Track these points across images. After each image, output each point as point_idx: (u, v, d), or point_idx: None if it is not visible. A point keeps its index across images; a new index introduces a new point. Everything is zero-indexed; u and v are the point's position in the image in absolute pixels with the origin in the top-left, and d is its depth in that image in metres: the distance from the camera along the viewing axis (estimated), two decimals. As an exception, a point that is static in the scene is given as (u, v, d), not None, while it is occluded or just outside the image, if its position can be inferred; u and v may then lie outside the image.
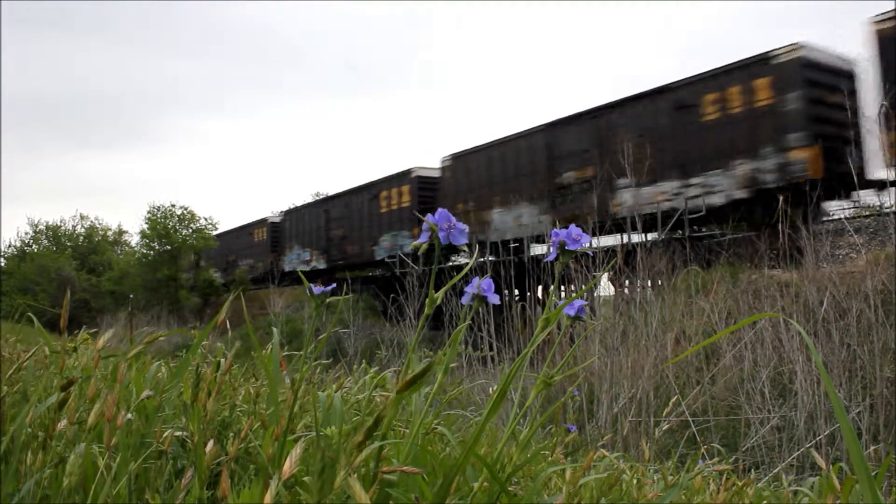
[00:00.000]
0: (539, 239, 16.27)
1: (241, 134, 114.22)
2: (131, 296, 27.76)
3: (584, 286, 7.02)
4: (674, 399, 2.80)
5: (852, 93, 11.76)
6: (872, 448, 4.53)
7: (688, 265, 10.10)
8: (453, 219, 1.07)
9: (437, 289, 1.10)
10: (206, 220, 31.21)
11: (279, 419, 1.11)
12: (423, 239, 1.07)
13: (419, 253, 1.09)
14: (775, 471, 4.37)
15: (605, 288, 10.87)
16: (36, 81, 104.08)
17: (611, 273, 10.62)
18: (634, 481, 1.75)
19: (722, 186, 13.28)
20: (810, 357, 5.49)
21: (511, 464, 1.15)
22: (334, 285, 1.26)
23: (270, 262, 29.61)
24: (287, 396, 1.24)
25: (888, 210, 11.06)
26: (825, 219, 12.72)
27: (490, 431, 1.87)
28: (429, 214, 1.07)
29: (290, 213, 29.45)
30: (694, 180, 13.69)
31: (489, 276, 1.20)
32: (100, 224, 42.78)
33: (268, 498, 0.79)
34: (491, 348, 7.25)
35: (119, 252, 41.16)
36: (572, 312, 1.15)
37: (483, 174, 19.00)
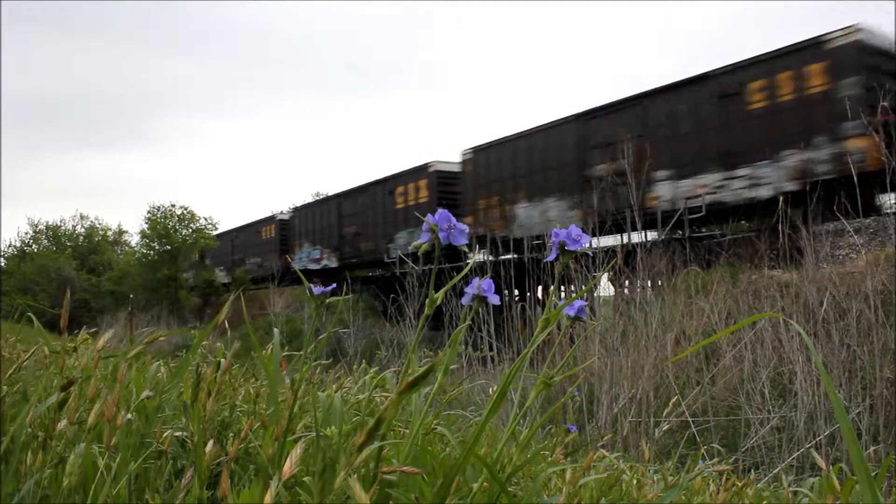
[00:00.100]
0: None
1: (241, 134, 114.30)
2: (131, 296, 27.74)
3: (583, 286, 7.02)
4: (674, 399, 2.80)
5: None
6: (872, 449, 4.53)
7: (688, 265, 10.10)
8: (453, 219, 1.07)
9: (437, 289, 1.10)
10: (205, 220, 31.22)
11: (279, 419, 1.11)
12: (423, 239, 1.07)
13: (419, 253, 1.09)
14: (775, 471, 4.37)
15: (605, 288, 10.86)
16: (36, 81, 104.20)
17: (611, 273, 10.62)
18: (634, 482, 1.75)
19: (770, 178, 12.56)
20: (810, 357, 5.49)
21: (511, 464, 1.15)
22: (334, 285, 1.26)
23: (283, 259, 28.97)
24: (287, 396, 1.24)
25: (888, 210, 11.05)
26: (886, 212, 12.43)
27: (490, 432, 1.87)
28: (429, 215, 1.07)
29: (300, 210, 28.72)
30: (740, 172, 12.94)
31: (489, 276, 1.20)
32: (100, 224, 42.79)
33: (268, 498, 0.79)
34: (491, 349, 7.25)
35: (119, 252, 41.16)
36: (572, 313, 1.15)
37: (507, 167, 18.15)
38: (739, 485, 1.74)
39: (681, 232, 14.05)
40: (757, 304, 7.40)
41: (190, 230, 30.56)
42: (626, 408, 5.71)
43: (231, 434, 1.58)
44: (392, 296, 10.42)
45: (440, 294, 1.09)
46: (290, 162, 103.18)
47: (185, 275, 31.45)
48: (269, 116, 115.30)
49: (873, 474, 0.78)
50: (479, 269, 10.81)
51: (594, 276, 7.60)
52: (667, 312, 7.34)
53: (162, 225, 30.02)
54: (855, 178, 7.08)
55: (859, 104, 11.07)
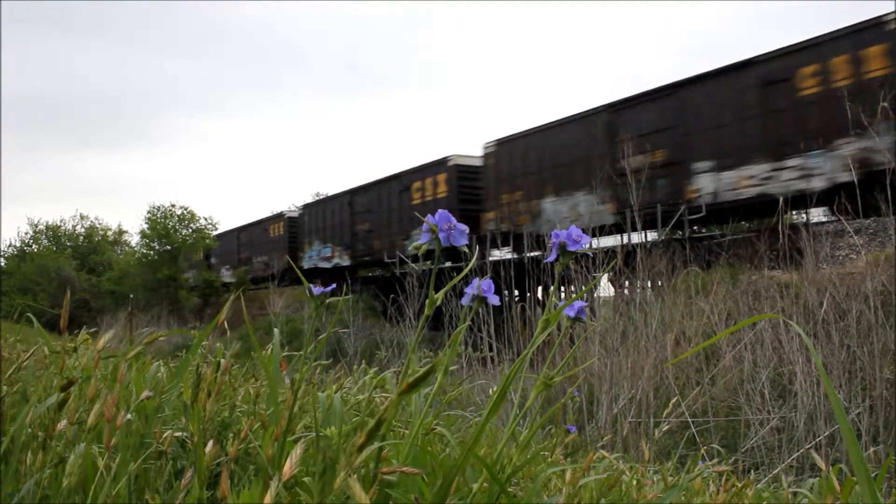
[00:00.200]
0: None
1: (241, 134, 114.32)
2: (131, 296, 27.72)
3: (583, 287, 7.02)
4: (674, 400, 2.80)
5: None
6: (872, 449, 4.53)
7: (688, 266, 10.10)
8: (453, 219, 1.07)
9: (437, 290, 1.10)
10: (205, 220, 31.23)
11: (279, 420, 1.11)
12: (423, 240, 1.07)
13: (419, 254, 1.09)
14: (775, 472, 4.37)
15: (605, 289, 10.85)
16: (36, 81, 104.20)
17: (611, 274, 10.62)
18: (634, 482, 1.75)
19: (823, 169, 11.76)
20: (810, 358, 5.49)
21: (511, 465, 1.15)
22: (334, 286, 1.26)
23: (288, 258, 28.04)
24: (287, 397, 1.24)
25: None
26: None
27: (490, 432, 1.87)
28: (429, 215, 1.07)
29: (310, 207, 27.77)
30: (790, 163, 12.14)
31: (489, 276, 1.20)
32: (100, 224, 42.83)
33: (268, 498, 0.79)
34: (491, 349, 7.25)
35: (119, 252, 41.19)
36: (572, 313, 1.15)
37: (533, 160, 17.16)
38: (739, 485, 1.74)
39: (681, 232, 13.99)
40: (757, 304, 7.40)
41: (190, 230, 30.58)
42: (626, 408, 5.72)
43: (231, 434, 1.58)
44: (392, 296, 10.42)
45: (440, 294, 1.09)
46: (290, 162, 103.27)
47: (185, 275, 31.44)
48: (269, 116, 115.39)
49: (873, 475, 0.78)
50: (479, 270, 10.81)
51: (594, 277, 7.61)
52: (667, 313, 7.34)
53: (162, 225, 30.04)
54: None
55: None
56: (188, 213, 30.65)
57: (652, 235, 14.44)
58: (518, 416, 1.13)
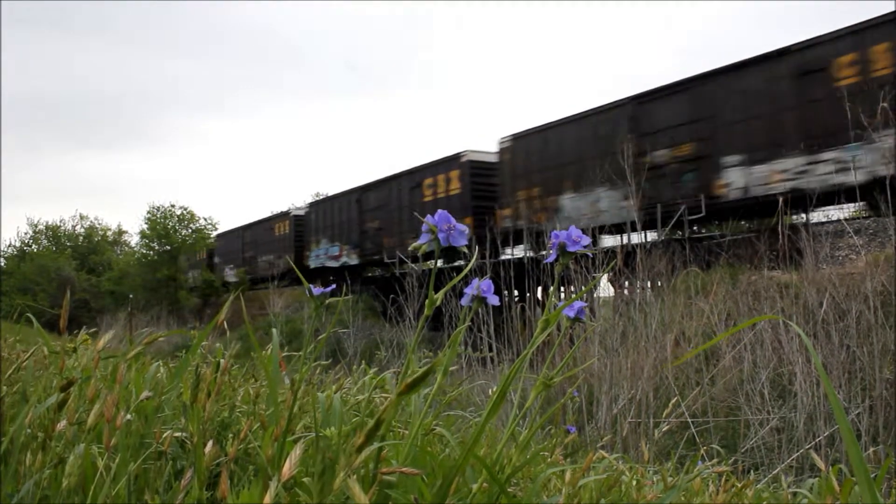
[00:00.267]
0: (620, 228, 14.40)
1: (241, 134, 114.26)
2: (131, 296, 27.71)
3: (583, 287, 7.02)
4: (673, 400, 2.81)
5: None
6: (872, 450, 4.53)
7: (687, 266, 10.10)
8: (453, 220, 1.07)
9: (436, 290, 1.10)
10: (205, 220, 31.26)
11: (279, 420, 1.11)
12: (422, 240, 1.07)
13: (419, 254, 1.09)
14: (774, 472, 4.37)
15: (605, 289, 10.83)
16: (36, 81, 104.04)
17: (610, 274, 10.63)
18: (634, 482, 1.75)
19: (863, 162, 11.17)
20: (810, 358, 5.49)
21: (510, 465, 1.15)
22: (333, 286, 1.26)
23: (295, 257, 27.21)
24: (286, 397, 1.24)
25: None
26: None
27: (489, 432, 1.87)
28: (428, 216, 1.07)
29: (317, 205, 27.10)
30: (825, 155, 11.57)
31: (489, 277, 1.20)
32: (99, 224, 42.90)
33: (267, 499, 0.79)
34: (490, 349, 7.25)
35: (119, 252, 41.22)
36: (572, 314, 1.15)
37: (551, 155, 16.49)
38: (739, 486, 1.74)
39: (680, 233, 13.97)
40: (756, 304, 7.40)
41: (190, 230, 30.61)
42: (626, 409, 5.72)
43: (230, 435, 1.58)
44: (392, 296, 10.42)
45: (439, 295, 1.09)
46: (290, 162, 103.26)
47: (187, 275, 31.43)
48: (269, 116, 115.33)
49: (873, 475, 0.78)
50: (479, 270, 10.81)
51: (594, 277, 7.61)
52: (666, 313, 7.34)
53: (162, 225, 30.06)
54: None
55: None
56: (188, 213, 30.71)
57: (651, 235, 14.39)
58: (518, 417, 1.13)
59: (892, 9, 11.09)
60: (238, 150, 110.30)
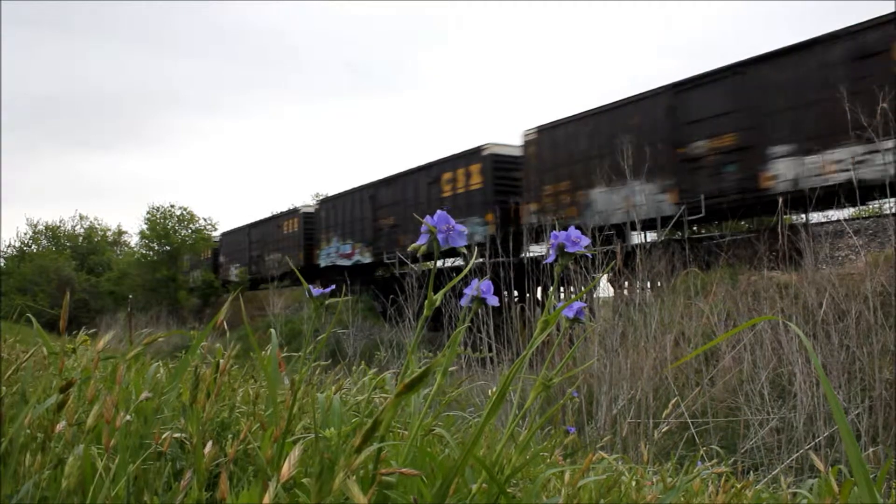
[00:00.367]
0: (653, 223, 13.75)
1: (241, 134, 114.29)
2: (130, 296, 27.68)
3: (583, 288, 7.02)
4: (673, 401, 2.80)
5: None
6: (871, 450, 4.54)
7: (687, 267, 10.10)
8: (452, 220, 1.07)
9: (436, 290, 1.10)
10: (205, 220, 31.27)
11: (278, 421, 1.11)
12: (422, 241, 1.07)
13: (418, 255, 1.09)
14: (774, 472, 4.37)
15: (605, 289, 10.83)
16: (36, 81, 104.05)
17: (610, 274, 10.63)
18: (633, 483, 1.75)
19: None
20: (809, 359, 5.49)
21: (510, 465, 1.15)
22: (333, 287, 1.26)
23: (312, 254, 26.26)
24: (286, 398, 1.24)
25: (888, 211, 11.06)
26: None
27: (489, 433, 1.87)
28: (427, 216, 1.07)
29: (327, 202, 26.12)
30: (888, 144, 10.64)
31: (488, 277, 1.20)
32: (99, 224, 42.89)
33: (266, 499, 0.79)
34: (490, 350, 7.25)
35: (118, 252, 41.24)
36: (571, 314, 1.15)
37: (580, 148, 15.67)
38: (738, 486, 1.74)
39: (680, 233, 13.95)
40: (756, 305, 7.40)
41: (189, 230, 30.61)
42: (626, 409, 5.72)
43: (230, 435, 1.58)
44: (391, 297, 10.42)
45: (439, 296, 1.09)
46: (290, 162, 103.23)
47: (190, 274, 31.38)
48: (270, 116, 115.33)
49: (872, 476, 0.78)
50: (479, 271, 10.80)
51: (593, 278, 7.61)
52: (666, 314, 7.34)
53: (161, 225, 30.07)
54: None
55: None
56: (188, 213, 30.70)
57: (651, 235, 14.34)
58: (517, 417, 1.13)
59: (881, 12, 11.01)
60: (238, 150, 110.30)
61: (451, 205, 19.13)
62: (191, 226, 30.75)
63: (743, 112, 12.63)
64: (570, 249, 1.10)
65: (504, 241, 14.46)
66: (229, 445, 1.27)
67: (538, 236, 15.31)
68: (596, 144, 15.42)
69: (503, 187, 18.08)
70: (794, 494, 2.05)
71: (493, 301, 1.15)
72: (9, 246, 38.77)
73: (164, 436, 1.18)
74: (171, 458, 1.30)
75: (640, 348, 6.42)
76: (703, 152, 13.36)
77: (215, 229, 31.98)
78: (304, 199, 56.17)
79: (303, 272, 25.58)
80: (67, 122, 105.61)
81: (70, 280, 30.85)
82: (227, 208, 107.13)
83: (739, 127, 12.68)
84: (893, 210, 10.44)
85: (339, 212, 24.94)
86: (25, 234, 39.90)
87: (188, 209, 30.77)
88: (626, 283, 10.03)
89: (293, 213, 28.30)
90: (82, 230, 41.73)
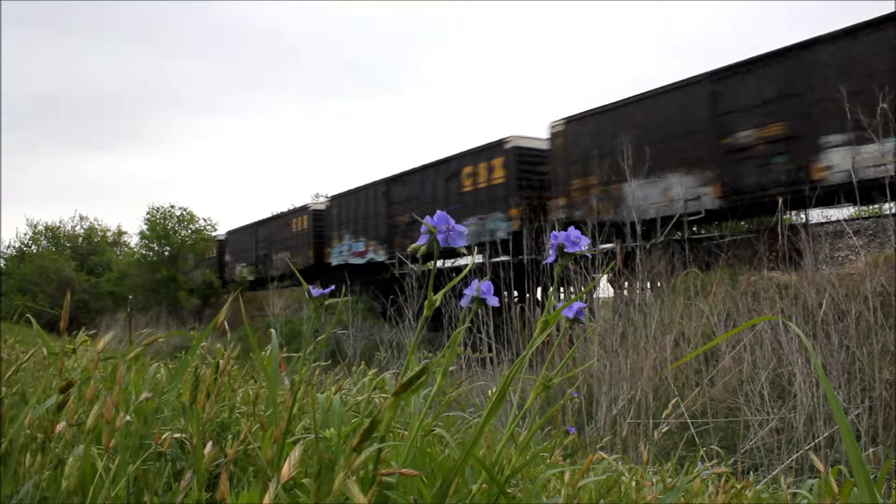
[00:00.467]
0: (692, 217, 13.19)
1: (241, 134, 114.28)
2: (130, 297, 27.65)
3: (583, 288, 7.02)
4: (673, 401, 2.80)
5: None
6: (871, 450, 4.54)
7: (687, 267, 10.10)
8: (452, 221, 1.07)
9: (436, 291, 1.10)
10: (205, 220, 31.25)
11: (278, 421, 1.11)
12: (421, 241, 1.07)
13: (418, 255, 1.09)
14: (774, 473, 4.37)
15: (605, 290, 10.82)
16: (36, 81, 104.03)
17: (610, 275, 10.63)
18: (633, 483, 1.75)
19: None
20: (809, 359, 5.50)
21: (510, 466, 1.15)
22: (333, 287, 1.26)
23: (323, 253, 25.42)
24: (286, 398, 1.24)
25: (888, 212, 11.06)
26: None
27: (489, 433, 1.87)
28: (427, 216, 1.07)
29: (339, 199, 25.21)
30: None
31: (488, 278, 1.20)
32: (99, 225, 42.88)
33: (266, 500, 0.79)
34: (490, 350, 7.25)
35: (118, 253, 41.25)
36: (571, 314, 1.15)
37: (611, 139, 14.69)
38: (738, 487, 1.74)
39: (679, 233, 13.93)
40: (756, 305, 7.41)
41: (189, 231, 30.60)
42: (626, 409, 5.72)
43: (230, 436, 1.58)
44: (391, 297, 10.42)
45: (439, 296, 1.10)
46: (290, 162, 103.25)
47: (187, 275, 31.36)
48: (270, 116, 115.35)
49: (872, 476, 0.78)
50: (479, 271, 10.80)
51: (593, 278, 7.61)
52: (666, 314, 7.34)
53: (161, 226, 30.06)
54: None
55: None
56: (187, 213, 30.69)
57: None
58: (517, 418, 1.13)
59: (881, 12, 10.90)
60: (238, 150, 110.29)
61: (472, 200, 18.48)
62: (191, 226, 30.74)
63: (792, 99, 11.80)
64: (569, 250, 1.10)
65: (538, 236, 14.07)
66: (229, 446, 1.27)
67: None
68: (630, 136, 14.34)
69: (527, 181, 17.33)
70: (794, 495, 2.05)
71: (493, 301, 1.15)
72: (8, 246, 38.80)
73: (164, 436, 1.18)
74: (171, 459, 1.30)
75: (639, 348, 6.42)
76: (748, 142, 12.51)
77: (215, 229, 31.98)
78: (305, 199, 56.20)
79: (313, 271, 25.08)
80: (67, 122, 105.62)
81: (70, 280, 30.85)
82: (227, 208, 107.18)
83: (788, 115, 11.86)
84: (893, 210, 10.42)
85: (352, 208, 24.11)
86: (25, 234, 39.94)
87: (188, 209, 30.76)
88: (626, 283, 10.03)
89: (302, 210, 27.56)
90: (82, 230, 41.73)
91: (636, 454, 4.72)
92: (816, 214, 12.76)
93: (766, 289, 7.71)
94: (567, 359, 1.22)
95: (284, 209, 29.65)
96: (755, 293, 7.82)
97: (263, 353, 1.33)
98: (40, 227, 40.00)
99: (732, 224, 14.09)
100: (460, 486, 1.12)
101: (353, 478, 0.80)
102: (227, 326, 1.83)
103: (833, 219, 12.30)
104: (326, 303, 1.15)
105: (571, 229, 1.13)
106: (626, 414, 5.68)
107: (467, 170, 18.91)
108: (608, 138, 14.89)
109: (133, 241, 38.21)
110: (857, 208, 12.81)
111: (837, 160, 11.33)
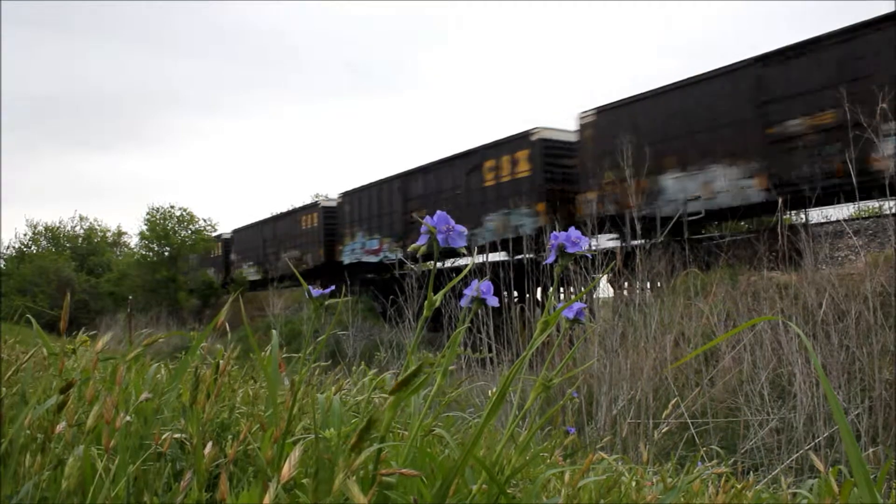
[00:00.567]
0: (735, 211, 12.66)
1: (241, 134, 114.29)
2: (130, 297, 27.63)
3: (583, 288, 7.02)
4: (673, 401, 2.80)
5: None
6: (871, 450, 4.54)
7: (687, 267, 10.10)
8: (452, 221, 1.07)
9: (436, 291, 1.10)
10: (205, 221, 31.25)
11: (278, 421, 1.11)
12: (421, 241, 1.07)
13: (418, 255, 1.09)
14: (774, 473, 4.37)
15: (605, 290, 10.81)
16: (36, 81, 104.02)
17: (610, 275, 10.62)
18: (633, 484, 1.75)
19: None
20: (809, 359, 5.50)
21: (510, 466, 1.15)
22: (333, 287, 1.26)
23: (334, 250, 24.76)
24: (286, 398, 1.24)
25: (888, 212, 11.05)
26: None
27: (489, 433, 1.87)
28: (427, 216, 1.07)
29: (351, 195, 24.40)
30: None
31: (488, 278, 1.20)
32: (99, 225, 42.87)
33: (267, 500, 0.79)
34: (490, 350, 7.25)
35: (118, 253, 41.24)
36: (571, 315, 1.15)
37: (648, 130, 13.92)
38: (738, 487, 1.74)
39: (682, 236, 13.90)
40: (756, 305, 7.41)
41: (189, 231, 30.60)
42: (626, 409, 5.72)
43: (230, 436, 1.58)
44: (391, 297, 10.42)
45: (438, 296, 1.10)
46: (290, 163, 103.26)
47: (185, 276, 31.36)
48: (270, 116, 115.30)
49: (872, 476, 0.78)
50: (479, 271, 10.79)
51: (593, 278, 7.61)
52: (666, 314, 7.34)
53: (161, 226, 30.06)
54: None
55: None
56: (187, 214, 30.68)
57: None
58: (517, 418, 1.13)
59: (880, 12, 10.84)
60: (238, 150, 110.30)
61: (495, 194, 17.79)
62: (190, 226, 30.74)
63: (846, 85, 10.68)
64: (569, 250, 1.10)
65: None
66: (229, 446, 1.27)
67: (600, 228, 13.14)
68: (669, 125, 13.79)
69: (554, 174, 16.63)
70: (794, 495, 2.05)
71: (493, 301, 1.15)
72: (8, 247, 38.79)
73: (164, 436, 1.18)
74: (171, 459, 1.30)
75: (639, 349, 6.42)
76: (798, 131, 11.72)
77: (215, 230, 31.98)
78: (305, 199, 56.17)
79: (324, 270, 24.68)
80: (67, 122, 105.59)
81: (70, 281, 30.83)
82: (227, 208, 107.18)
83: (842, 102, 10.37)
84: (893, 210, 10.41)
85: (365, 205, 23.23)
86: (25, 234, 39.93)
87: (188, 210, 30.76)
88: (626, 283, 10.03)
89: (312, 207, 26.91)
90: (82, 231, 41.72)
91: (636, 454, 4.72)
92: (816, 214, 12.73)
93: (766, 289, 7.71)
94: (567, 359, 1.22)
95: (285, 209, 29.52)
96: (755, 293, 7.82)
97: (263, 353, 1.33)
98: (40, 228, 39.99)
99: (732, 224, 14.09)
100: (460, 487, 1.12)
101: (353, 478, 0.80)
102: (227, 327, 1.83)
103: (833, 219, 12.25)
104: (326, 303, 1.15)
105: (572, 229, 1.13)
106: (626, 414, 5.68)
107: (489, 164, 18.16)
108: (645, 128, 14.08)
109: (133, 241, 38.22)
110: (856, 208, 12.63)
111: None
